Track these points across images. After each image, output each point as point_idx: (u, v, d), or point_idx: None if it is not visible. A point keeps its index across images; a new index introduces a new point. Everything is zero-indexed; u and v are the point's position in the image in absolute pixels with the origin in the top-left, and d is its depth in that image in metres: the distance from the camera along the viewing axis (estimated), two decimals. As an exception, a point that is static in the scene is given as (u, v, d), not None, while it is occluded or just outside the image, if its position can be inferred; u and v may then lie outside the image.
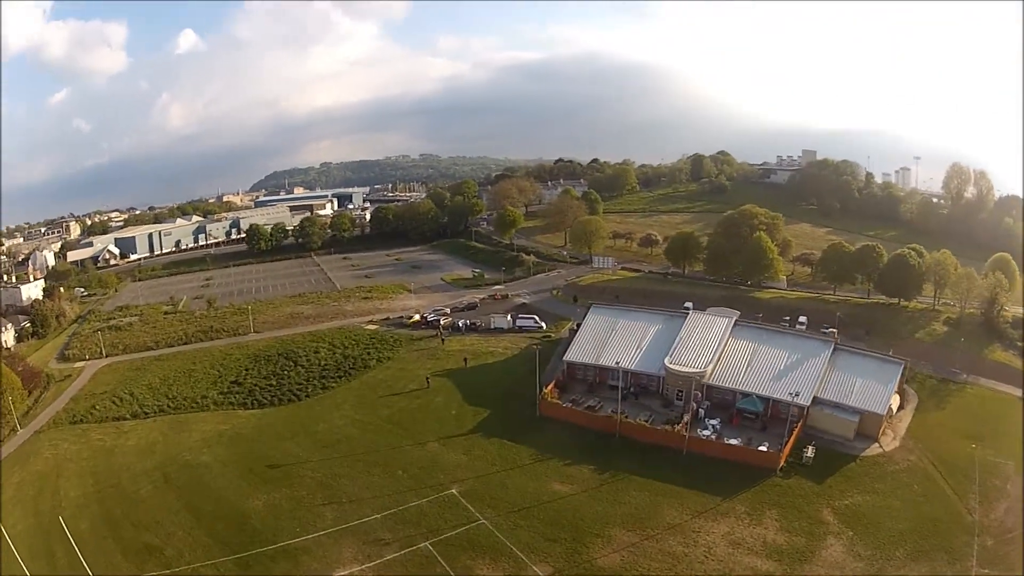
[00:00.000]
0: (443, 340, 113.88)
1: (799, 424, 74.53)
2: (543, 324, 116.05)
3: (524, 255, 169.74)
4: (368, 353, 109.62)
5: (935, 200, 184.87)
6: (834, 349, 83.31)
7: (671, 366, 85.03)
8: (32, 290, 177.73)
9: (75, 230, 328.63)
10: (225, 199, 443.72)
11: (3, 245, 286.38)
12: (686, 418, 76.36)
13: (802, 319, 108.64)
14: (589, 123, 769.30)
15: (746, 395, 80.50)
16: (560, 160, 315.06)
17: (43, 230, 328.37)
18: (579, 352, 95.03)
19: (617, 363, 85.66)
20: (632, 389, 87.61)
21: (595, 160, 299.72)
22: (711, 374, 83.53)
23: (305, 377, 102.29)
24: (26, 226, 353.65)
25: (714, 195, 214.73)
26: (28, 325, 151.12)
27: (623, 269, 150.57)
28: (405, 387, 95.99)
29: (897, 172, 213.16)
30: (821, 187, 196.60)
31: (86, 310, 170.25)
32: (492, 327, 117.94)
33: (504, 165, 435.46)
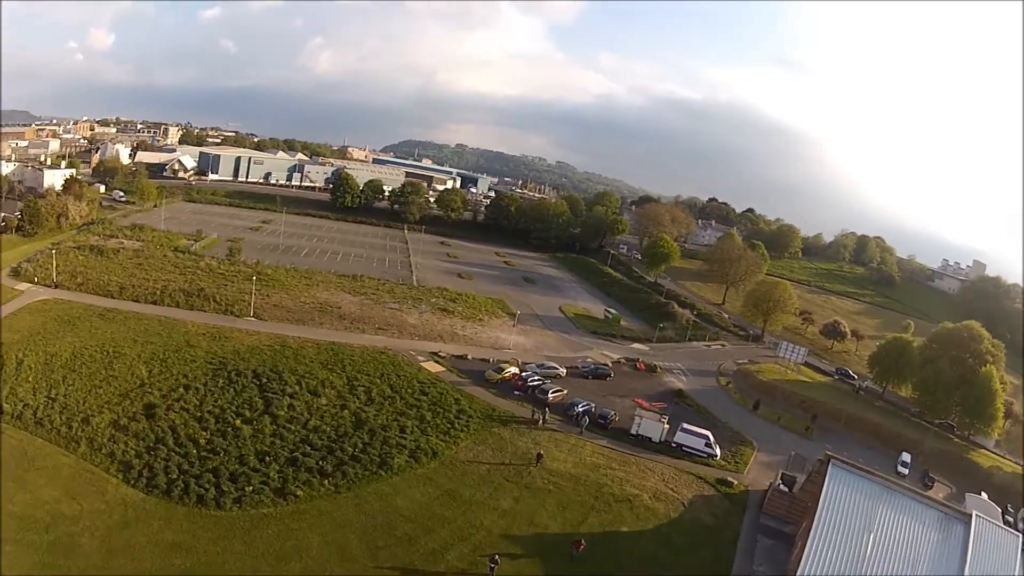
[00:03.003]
0: (542, 425, 67.61)
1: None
2: (716, 450, 68.63)
3: (677, 306, 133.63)
4: (402, 427, 62.44)
5: None
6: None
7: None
8: (56, 177, 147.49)
9: (173, 136, 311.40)
10: (349, 150, 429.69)
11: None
12: None
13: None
14: (735, 172, 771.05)
15: None
16: (713, 200, 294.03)
17: (139, 127, 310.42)
18: (822, 564, 44.79)
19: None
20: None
21: (750, 210, 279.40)
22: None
23: (267, 446, 55.65)
24: (122, 120, 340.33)
25: (881, 286, 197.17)
26: (14, 217, 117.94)
27: (804, 364, 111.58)
28: (441, 550, 46.34)
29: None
30: (992, 308, 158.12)
31: (101, 217, 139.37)
32: (635, 432, 68.78)
33: (639, 194, 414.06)
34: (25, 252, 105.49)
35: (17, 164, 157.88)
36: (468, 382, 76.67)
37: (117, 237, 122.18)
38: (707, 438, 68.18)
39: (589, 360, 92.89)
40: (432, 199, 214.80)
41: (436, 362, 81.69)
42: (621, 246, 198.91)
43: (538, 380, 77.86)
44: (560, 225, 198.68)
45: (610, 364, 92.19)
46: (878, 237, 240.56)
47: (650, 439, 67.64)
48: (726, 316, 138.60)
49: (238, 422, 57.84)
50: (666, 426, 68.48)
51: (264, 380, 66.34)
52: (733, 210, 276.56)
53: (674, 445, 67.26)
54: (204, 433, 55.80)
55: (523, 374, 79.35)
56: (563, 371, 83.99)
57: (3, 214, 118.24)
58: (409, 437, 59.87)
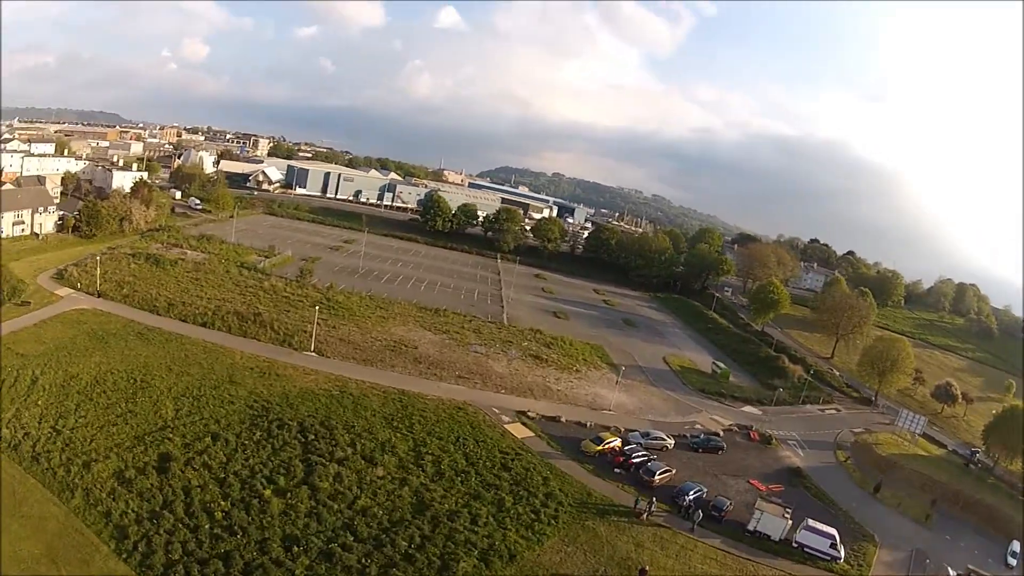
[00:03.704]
0: (646, 519, 56.53)
1: None
2: (841, 551, 59.41)
3: (788, 361, 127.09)
4: (475, 515, 50.49)
5: None
6: None
7: None
8: (126, 179, 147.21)
9: (263, 147, 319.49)
10: (445, 173, 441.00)
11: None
12: None
13: None
14: (829, 211, 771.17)
15: None
16: (815, 241, 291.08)
17: (228, 137, 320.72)
18: None
19: None
20: None
21: (851, 252, 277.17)
22: None
23: (299, 529, 44.61)
24: (212, 130, 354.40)
25: (981, 338, 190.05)
26: (73, 217, 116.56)
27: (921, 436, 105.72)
28: None
29: None
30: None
31: (169, 224, 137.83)
32: (752, 529, 58.90)
33: (733, 231, 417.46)
34: (76, 255, 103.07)
35: (88, 163, 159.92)
36: (560, 454, 64.92)
37: (181, 247, 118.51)
38: (833, 538, 59.50)
39: (698, 427, 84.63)
40: (528, 228, 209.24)
41: (524, 424, 70.21)
42: (725, 288, 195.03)
43: (642, 456, 67.82)
44: (662, 263, 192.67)
45: (721, 433, 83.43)
46: (973, 285, 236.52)
47: (769, 537, 58.54)
48: (837, 373, 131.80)
49: (268, 492, 47.23)
50: (788, 521, 59.33)
51: (310, 437, 55.85)
52: (834, 252, 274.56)
53: (796, 546, 58.31)
54: (223, 503, 45.65)
55: (626, 448, 68.29)
56: (671, 442, 74.88)
57: (61, 212, 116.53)
58: (481, 531, 47.82)
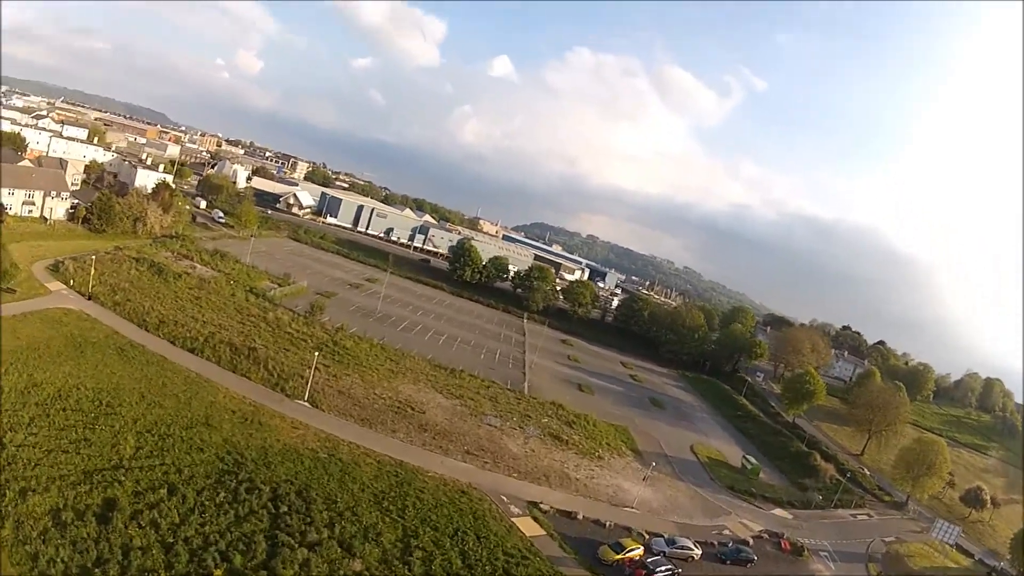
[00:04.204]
0: None
1: None
2: None
3: (820, 458, 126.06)
4: None
5: None
6: None
7: None
8: (148, 178, 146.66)
9: (301, 170, 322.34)
10: (480, 222, 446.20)
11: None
12: None
13: None
14: (857, 296, 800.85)
15: None
16: (847, 328, 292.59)
17: (269, 154, 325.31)
18: None
19: None
20: None
21: (881, 342, 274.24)
22: None
23: None
24: (254, 145, 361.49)
25: (1005, 436, 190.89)
26: (83, 207, 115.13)
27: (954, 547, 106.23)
28: None
29: None
30: None
31: (186, 233, 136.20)
32: None
33: (762, 310, 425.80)
34: (80, 248, 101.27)
35: (116, 155, 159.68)
36: (574, 561, 57.98)
37: (191, 259, 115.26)
38: None
39: (727, 533, 79.71)
40: (559, 289, 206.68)
41: (535, 519, 63.02)
42: (757, 373, 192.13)
43: (667, 570, 61.56)
44: (695, 340, 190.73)
45: (751, 541, 78.49)
46: (998, 380, 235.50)
47: None
48: (868, 473, 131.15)
49: (219, 573, 40.71)
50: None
51: (283, 509, 49.29)
52: (865, 341, 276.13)
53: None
54: (164, 573, 39.15)
55: (648, 560, 61.38)
56: (697, 552, 69.41)
57: (76, 201, 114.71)
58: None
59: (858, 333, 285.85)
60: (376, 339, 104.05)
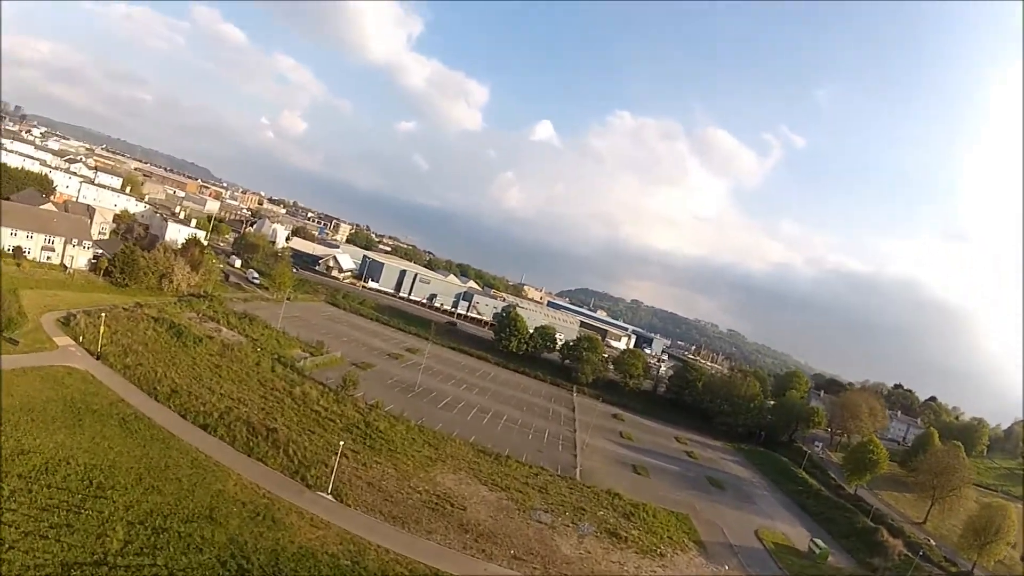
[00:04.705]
0: None
1: None
2: None
3: (887, 534, 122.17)
4: None
5: None
6: None
7: None
8: (180, 233, 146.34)
9: (343, 232, 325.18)
10: (525, 288, 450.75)
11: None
12: None
13: None
14: (899, 350, 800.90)
15: None
16: (899, 386, 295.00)
17: (311, 215, 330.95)
18: None
19: None
20: None
21: (933, 399, 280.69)
22: None
23: None
24: (298, 205, 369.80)
25: None
26: (108, 259, 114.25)
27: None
28: None
29: None
30: None
31: (215, 293, 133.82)
32: None
33: (808, 371, 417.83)
34: (97, 301, 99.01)
35: (148, 207, 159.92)
36: None
37: (217, 322, 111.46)
38: None
39: None
40: (608, 359, 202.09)
41: None
42: (816, 443, 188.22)
43: None
44: (751, 411, 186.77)
45: None
46: None
47: None
48: (933, 544, 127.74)
49: None
50: None
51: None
52: (917, 398, 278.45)
53: None
54: None
55: None
56: None
57: (99, 251, 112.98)
58: None
59: (910, 391, 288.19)
60: (414, 420, 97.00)
